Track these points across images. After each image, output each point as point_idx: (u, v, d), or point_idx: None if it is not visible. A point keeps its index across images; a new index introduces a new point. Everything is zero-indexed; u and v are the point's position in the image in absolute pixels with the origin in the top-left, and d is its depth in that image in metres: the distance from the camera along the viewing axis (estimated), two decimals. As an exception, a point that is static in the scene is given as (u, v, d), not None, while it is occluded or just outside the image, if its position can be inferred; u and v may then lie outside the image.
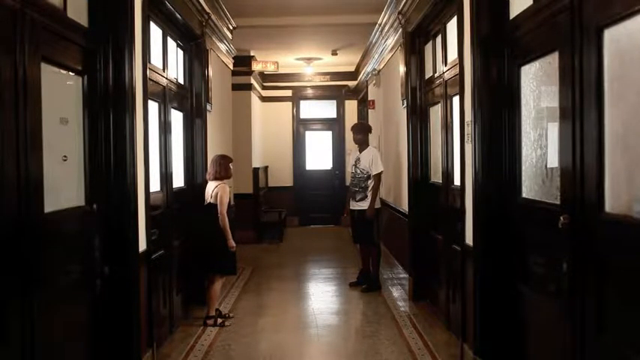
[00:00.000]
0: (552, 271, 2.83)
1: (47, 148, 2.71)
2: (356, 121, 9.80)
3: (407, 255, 6.04)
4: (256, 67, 10.01)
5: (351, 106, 12.29)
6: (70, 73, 3.19)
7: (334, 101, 12.40)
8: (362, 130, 6.61)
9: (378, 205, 6.41)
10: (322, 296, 6.34)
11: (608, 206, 2.35)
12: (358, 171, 6.41)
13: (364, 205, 6.30)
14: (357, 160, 6.46)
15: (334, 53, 9.99)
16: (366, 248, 6.53)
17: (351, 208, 6.47)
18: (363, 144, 6.52)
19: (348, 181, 7.77)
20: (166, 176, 4.78)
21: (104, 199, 3.43)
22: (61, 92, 3.11)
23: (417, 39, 5.72)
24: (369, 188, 6.30)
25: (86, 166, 3.31)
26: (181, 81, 5.47)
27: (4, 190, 2.36)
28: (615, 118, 2.31)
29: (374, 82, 8.86)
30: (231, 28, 7.09)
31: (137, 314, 3.64)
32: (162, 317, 4.50)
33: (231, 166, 5.27)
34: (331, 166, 12.35)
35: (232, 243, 5.05)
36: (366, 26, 7.70)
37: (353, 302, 6.02)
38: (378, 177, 6.34)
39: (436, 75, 5.23)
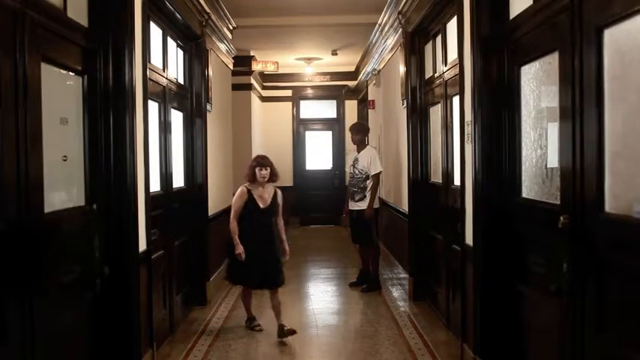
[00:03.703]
0: (552, 271, 2.83)
1: (47, 148, 2.71)
2: (355, 121, 9.79)
3: (407, 255, 6.04)
4: (256, 67, 10.01)
5: (351, 106, 12.30)
6: (70, 73, 3.18)
7: (334, 101, 12.41)
8: (360, 131, 6.61)
9: (376, 205, 6.41)
10: (322, 296, 6.34)
11: (608, 206, 2.35)
12: (357, 171, 6.41)
13: (363, 205, 6.30)
14: (356, 160, 6.46)
15: (334, 53, 9.99)
16: (365, 248, 6.53)
17: (350, 208, 6.47)
18: (361, 144, 6.52)
19: (347, 181, 7.77)
20: (166, 176, 4.79)
21: (104, 199, 3.42)
22: (61, 92, 3.11)
23: (417, 39, 5.72)
24: (368, 188, 6.30)
25: (86, 166, 3.30)
26: (181, 81, 5.47)
27: (4, 190, 2.36)
28: (615, 118, 2.31)
29: (374, 82, 8.86)
30: (231, 28, 7.09)
31: (137, 314, 3.63)
32: (162, 317, 4.50)
33: (260, 170, 4.80)
34: (331, 166, 12.35)
35: (238, 249, 4.71)
36: (366, 26, 7.70)
37: (353, 302, 6.02)
38: (376, 177, 6.33)
39: (436, 75, 5.23)
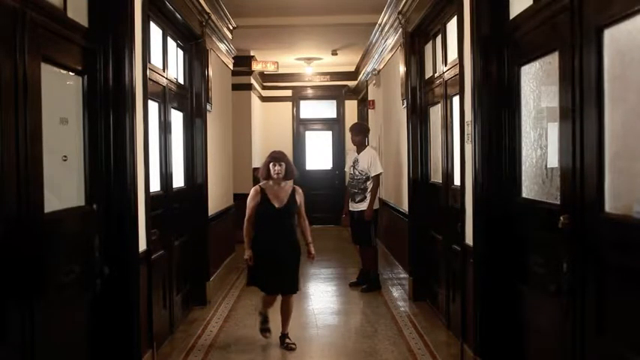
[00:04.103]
0: (552, 271, 2.83)
1: (47, 148, 2.71)
2: (356, 121, 9.79)
3: (407, 255, 6.03)
4: (256, 67, 10.02)
5: (351, 106, 12.30)
6: (70, 73, 3.18)
7: (334, 101, 12.41)
8: (361, 131, 6.61)
9: (376, 205, 6.41)
10: (322, 296, 6.35)
11: (608, 206, 2.35)
12: (357, 172, 6.40)
13: (363, 206, 6.29)
14: (356, 161, 6.45)
15: (334, 53, 10.00)
16: (365, 249, 6.52)
17: (351, 209, 6.46)
18: (361, 145, 6.52)
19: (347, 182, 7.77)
20: (166, 176, 4.78)
21: (104, 199, 3.43)
22: (61, 92, 3.11)
23: (417, 39, 5.72)
24: (368, 190, 6.29)
25: (86, 166, 3.30)
26: (181, 81, 5.47)
27: (4, 190, 2.36)
28: (615, 119, 2.31)
29: (374, 82, 8.86)
30: (231, 28, 7.09)
31: (137, 314, 3.63)
32: (162, 317, 4.50)
33: (274, 166, 4.45)
34: (331, 166, 12.34)
35: (247, 254, 4.47)
36: (366, 26, 7.70)
37: (353, 302, 6.02)
38: (377, 178, 6.33)
39: (436, 75, 5.23)
